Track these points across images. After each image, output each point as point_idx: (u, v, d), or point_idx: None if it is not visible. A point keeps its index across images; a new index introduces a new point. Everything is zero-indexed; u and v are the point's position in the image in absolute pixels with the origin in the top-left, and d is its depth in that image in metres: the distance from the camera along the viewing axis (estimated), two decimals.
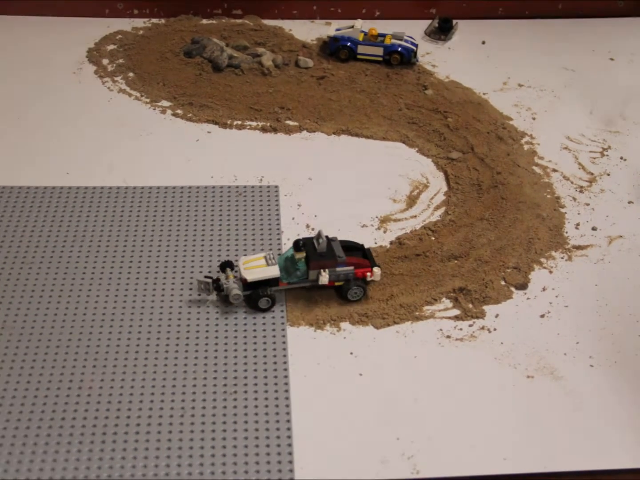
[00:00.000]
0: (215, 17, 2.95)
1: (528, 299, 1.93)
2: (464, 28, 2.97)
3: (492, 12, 3.05)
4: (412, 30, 2.85)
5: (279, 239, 2.04)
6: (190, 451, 1.56)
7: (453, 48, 2.88)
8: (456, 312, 1.89)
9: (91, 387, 1.66)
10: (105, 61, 2.71)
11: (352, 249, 1.94)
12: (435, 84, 2.66)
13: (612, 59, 2.85)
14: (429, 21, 3.00)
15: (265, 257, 1.85)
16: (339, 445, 1.60)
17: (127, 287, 1.90)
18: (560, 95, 2.66)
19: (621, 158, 2.40)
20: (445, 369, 1.76)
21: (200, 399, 1.66)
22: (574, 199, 2.23)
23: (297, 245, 1.81)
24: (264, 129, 2.44)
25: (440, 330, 1.84)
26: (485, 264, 2.00)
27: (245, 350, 1.76)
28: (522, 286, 1.96)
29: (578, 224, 2.15)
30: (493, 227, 2.11)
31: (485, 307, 1.90)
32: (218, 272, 1.89)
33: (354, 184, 2.25)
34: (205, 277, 1.85)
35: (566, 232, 2.12)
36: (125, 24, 2.90)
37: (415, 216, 2.16)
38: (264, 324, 1.82)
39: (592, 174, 2.33)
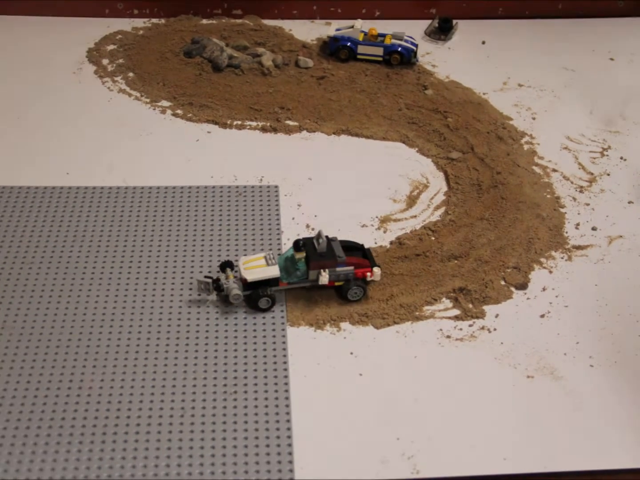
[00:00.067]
0: (215, 17, 2.95)
1: (528, 299, 1.93)
2: (464, 28, 2.97)
3: (492, 12, 3.05)
4: (412, 30, 2.85)
5: (279, 239, 2.04)
6: (190, 451, 1.56)
7: (453, 48, 2.88)
8: (456, 312, 1.89)
9: (91, 387, 1.66)
10: (105, 61, 2.71)
11: (352, 249, 1.94)
12: (435, 84, 2.66)
13: (612, 59, 2.85)
14: (429, 21, 3.00)
15: (265, 257, 1.85)
16: (339, 445, 1.60)
17: (127, 287, 1.90)
18: (560, 95, 2.66)
19: (621, 158, 2.40)
20: (445, 369, 1.76)
21: (200, 399, 1.66)
22: (574, 199, 2.23)
23: (297, 245, 1.81)
24: (264, 129, 2.44)
25: (440, 330, 1.84)
26: (485, 264, 2.00)
27: (245, 350, 1.76)
28: (522, 286, 1.96)
29: (578, 224, 2.15)
30: (493, 227, 2.11)
31: (485, 307, 1.90)
32: (218, 272, 1.89)
33: (354, 184, 2.25)
34: (206, 277, 1.85)
35: (566, 232, 2.12)
36: (125, 24, 2.90)
37: (415, 216, 2.16)
38: (264, 324, 1.82)
39: (592, 174, 2.33)
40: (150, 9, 2.93)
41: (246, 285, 1.82)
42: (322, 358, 1.77)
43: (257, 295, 1.82)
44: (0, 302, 1.84)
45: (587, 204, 2.22)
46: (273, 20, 2.95)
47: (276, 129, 2.43)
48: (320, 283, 1.84)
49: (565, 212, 2.18)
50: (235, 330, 1.80)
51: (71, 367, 1.71)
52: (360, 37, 2.72)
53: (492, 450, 1.60)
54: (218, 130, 2.43)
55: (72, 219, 2.07)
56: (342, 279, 1.86)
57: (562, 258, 2.04)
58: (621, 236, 2.12)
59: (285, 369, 1.72)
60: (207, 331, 1.80)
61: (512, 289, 1.95)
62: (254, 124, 2.46)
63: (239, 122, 2.46)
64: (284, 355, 1.75)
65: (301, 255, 1.83)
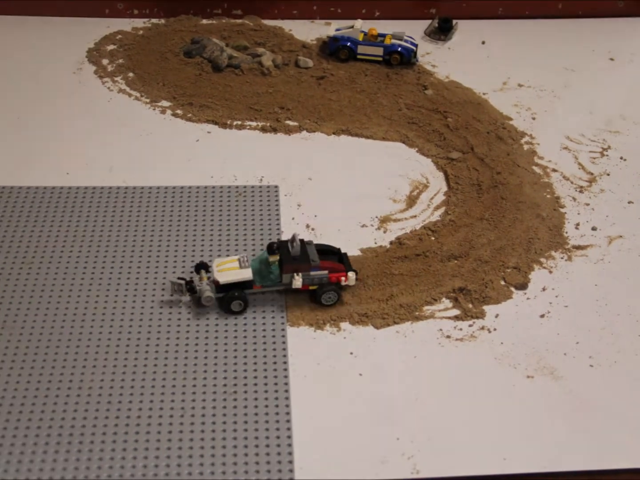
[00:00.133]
0: (215, 17, 2.95)
1: (528, 299, 1.93)
2: (463, 28, 2.97)
3: (492, 12, 3.05)
4: (412, 30, 2.85)
5: (278, 239, 2.04)
6: (190, 451, 1.56)
7: (453, 48, 2.88)
8: (456, 312, 1.89)
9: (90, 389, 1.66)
10: (105, 61, 2.71)
11: (329, 253, 1.92)
12: (435, 84, 2.66)
13: (612, 59, 2.85)
14: (429, 21, 3.00)
15: (239, 260, 1.84)
16: (339, 445, 1.60)
17: (127, 286, 1.90)
18: (560, 95, 2.66)
19: (621, 158, 2.40)
20: (445, 369, 1.76)
21: (200, 399, 1.66)
22: (574, 199, 2.23)
23: (271, 248, 1.80)
24: (263, 129, 2.44)
25: (440, 330, 1.84)
26: (485, 264, 2.00)
27: (245, 350, 1.76)
28: (522, 286, 1.96)
29: (578, 224, 2.15)
30: (493, 227, 2.11)
31: (485, 307, 1.90)
32: (191, 273, 1.89)
33: (353, 184, 2.25)
34: (179, 278, 1.83)
35: (566, 232, 2.12)
36: (125, 24, 2.90)
37: (415, 216, 2.16)
38: (264, 324, 1.82)
39: (592, 174, 2.33)
40: (150, 9, 2.93)
41: (219, 287, 1.82)
42: (322, 358, 1.77)
43: (229, 298, 1.81)
44: (0, 302, 1.84)
45: (587, 204, 2.22)
46: (273, 20, 2.95)
47: (276, 129, 2.43)
48: (293, 287, 1.83)
49: (565, 212, 2.18)
50: (235, 330, 1.80)
51: (71, 367, 1.71)
52: (360, 37, 2.72)
53: (491, 450, 1.60)
54: (218, 130, 2.43)
55: (72, 219, 2.08)
56: (316, 283, 1.85)
57: (562, 258, 2.04)
58: (621, 236, 2.12)
59: (285, 369, 1.72)
60: (207, 331, 1.80)
61: (512, 289, 1.95)
62: (253, 124, 2.46)
63: (239, 122, 2.46)
64: (284, 355, 1.75)
65: (275, 258, 1.81)
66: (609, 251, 2.07)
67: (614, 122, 2.54)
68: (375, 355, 1.78)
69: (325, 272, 1.84)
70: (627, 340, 1.84)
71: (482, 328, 1.85)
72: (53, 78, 2.61)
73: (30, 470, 1.52)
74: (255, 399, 1.66)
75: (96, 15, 2.92)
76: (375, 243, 2.06)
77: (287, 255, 1.82)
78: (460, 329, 1.85)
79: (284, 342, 1.78)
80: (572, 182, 2.29)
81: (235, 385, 1.69)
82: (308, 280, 1.84)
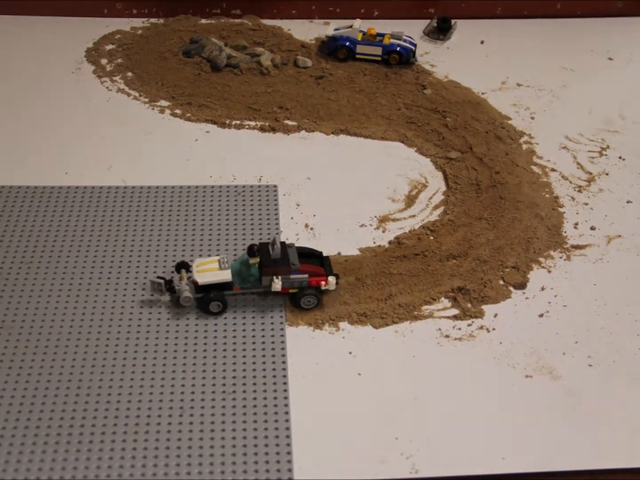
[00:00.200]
0: (214, 16, 2.95)
1: (527, 298, 1.93)
2: (462, 28, 2.97)
3: (490, 12, 3.05)
4: (410, 30, 2.85)
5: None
6: (189, 451, 1.56)
7: (452, 48, 2.88)
8: (455, 311, 1.89)
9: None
10: (103, 61, 2.71)
11: (311, 256, 1.92)
12: (434, 83, 2.66)
13: (610, 59, 2.86)
14: (428, 21, 3.00)
15: (219, 261, 1.83)
16: (338, 445, 1.60)
17: (126, 286, 1.90)
18: (559, 95, 2.66)
19: (620, 158, 2.40)
20: (444, 369, 1.76)
21: (199, 399, 1.66)
22: (573, 198, 2.23)
23: (252, 250, 1.79)
24: (262, 129, 2.44)
25: (439, 329, 1.85)
26: (484, 263, 2.00)
27: (244, 350, 1.76)
28: (521, 286, 1.96)
29: (577, 224, 2.15)
30: (492, 226, 2.11)
31: (484, 307, 1.90)
32: (172, 272, 1.89)
33: (352, 184, 2.25)
34: (158, 277, 1.83)
35: (565, 232, 2.12)
36: (123, 24, 2.89)
37: (414, 216, 2.16)
38: (262, 323, 1.82)
39: (590, 173, 2.33)
40: (149, 9, 2.93)
41: (198, 288, 1.81)
42: (321, 358, 1.77)
43: (207, 299, 1.81)
44: None
45: (586, 204, 2.22)
46: (272, 20, 2.95)
47: (275, 128, 2.43)
48: (272, 289, 1.82)
49: (564, 212, 2.18)
50: (234, 330, 1.80)
51: (70, 366, 1.71)
52: (359, 37, 2.72)
53: (490, 450, 1.60)
54: (217, 130, 2.43)
55: (70, 218, 2.07)
56: (295, 286, 1.84)
57: (560, 258, 2.04)
58: (620, 236, 2.12)
59: (284, 369, 1.73)
60: (205, 331, 1.80)
61: (511, 288, 1.96)
62: (252, 123, 2.46)
63: (238, 122, 2.46)
64: (283, 355, 1.75)
65: (255, 260, 1.81)
66: (607, 251, 2.07)
67: (612, 122, 2.54)
68: (374, 355, 1.78)
69: (305, 275, 1.83)
70: (626, 340, 1.84)
71: (481, 327, 1.85)
72: (52, 77, 2.61)
73: (29, 470, 1.52)
74: (254, 398, 1.66)
75: (95, 15, 2.92)
76: (374, 243, 2.06)
77: (267, 258, 1.81)
78: (459, 329, 1.85)
79: (282, 342, 1.78)
80: (570, 182, 2.29)
81: (234, 384, 1.69)
82: (288, 283, 1.83)
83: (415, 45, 2.73)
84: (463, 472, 1.57)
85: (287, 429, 1.61)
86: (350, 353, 1.78)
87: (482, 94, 2.64)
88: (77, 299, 1.86)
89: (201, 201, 2.15)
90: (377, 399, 1.69)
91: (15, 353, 1.73)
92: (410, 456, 1.58)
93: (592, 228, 2.13)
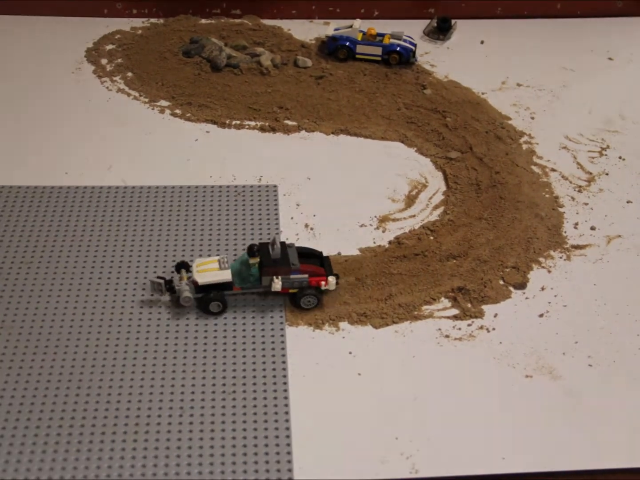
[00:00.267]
0: (214, 16, 2.95)
1: (527, 298, 1.93)
2: (462, 28, 2.97)
3: (490, 12, 3.05)
4: (410, 30, 2.85)
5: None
6: (189, 451, 1.56)
7: (452, 48, 2.88)
8: (455, 311, 1.89)
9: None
10: (103, 61, 2.71)
11: (311, 256, 1.92)
12: (434, 83, 2.66)
13: (610, 59, 2.86)
14: (428, 21, 3.00)
15: (219, 261, 1.83)
16: (338, 445, 1.60)
17: (126, 286, 1.90)
18: (559, 95, 2.66)
19: (620, 157, 2.40)
20: (444, 369, 1.76)
21: (199, 399, 1.66)
22: (573, 198, 2.23)
23: (252, 250, 1.79)
24: (262, 129, 2.44)
25: (439, 329, 1.85)
26: (484, 263, 2.00)
27: (244, 350, 1.76)
28: (521, 286, 1.96)
29: (577, 224, 2.15)
30: (492, 226, 2.11)
31: (484, 307, 1.90)
32: (172, 272, 1.89)
33: (352, 184, 2.25)
34: (158, 277, 1.83)
35: (565, 232, 2.12)
36: (123, 24, 2.89)
37: (414, 216, 2.16)
38: (262, 323, 1.82)
39: (590, 173, 2.33)
40: (149, 9, 2.93)
41: (198, 288, 1.81)
42: (321, 358, 1.77)
43: (207, 299, 1.81)
44: None
45: (586, 204, 2.22)
46: (272, 20, 2.95)
47: (275, 128, 2.43)
48: (272, 289, 1.82)
49: (564, 212, 2.18)
50: (234, 330, 1.80)
51: (70, 366, 1.71)
52: (359, 37, 2.72)
53: (490, 450, 1.60)
54: (217, 130, 2.43)
55: (70, 218, 2.07)
56: (295, 286, 1.84)
57: (560, 258, 2.04)
58: (620, 236, 2.12)
59: (284, 369, 1.73)
60: (205, 331, 1.80)
61: (511, 288, 1.96)
62: (252, 123, 2.46)
63: (238, 122, 2.46)
64: (283, 355, 1.75)
65: (255, 260, 1.81)
66: (607, 251, 2.07)
67: (612, 122, 2.54)
68: (374, 355, 1.78)
69: (305, 275, 1.83)
70: (626, 340, 1.84)
71: (481, 327, 1.85)
72: (52, 77, 2.61)
73: (29, 470, 1.52)
74: (254, 398, 1.66)
75: (95, 15, 2.92)
76: (374, 243, 2.06)
77: (267, 258, 1.81)
78: (459, 329, 1.85)
79: (282, 342, 1.78)
80: (570, 182, 2.29)
81: (234, 384, 1.69)
82: (288, 283, 1.83)
83: (415, 45, 2.73)
84: (463, 472, 1.57)
85: (287, 429, 1.61)
86: (350, 353, 1.78)
87: (482, 94, 2.64)
88: (77, 299, 1.86)
89: (201, 201, 2.15)
90: (377, 399, 1.69)
91: (15, 353, 1.73)
92: (410, 456, 1.58)
93: (592, 228, 2.13)
